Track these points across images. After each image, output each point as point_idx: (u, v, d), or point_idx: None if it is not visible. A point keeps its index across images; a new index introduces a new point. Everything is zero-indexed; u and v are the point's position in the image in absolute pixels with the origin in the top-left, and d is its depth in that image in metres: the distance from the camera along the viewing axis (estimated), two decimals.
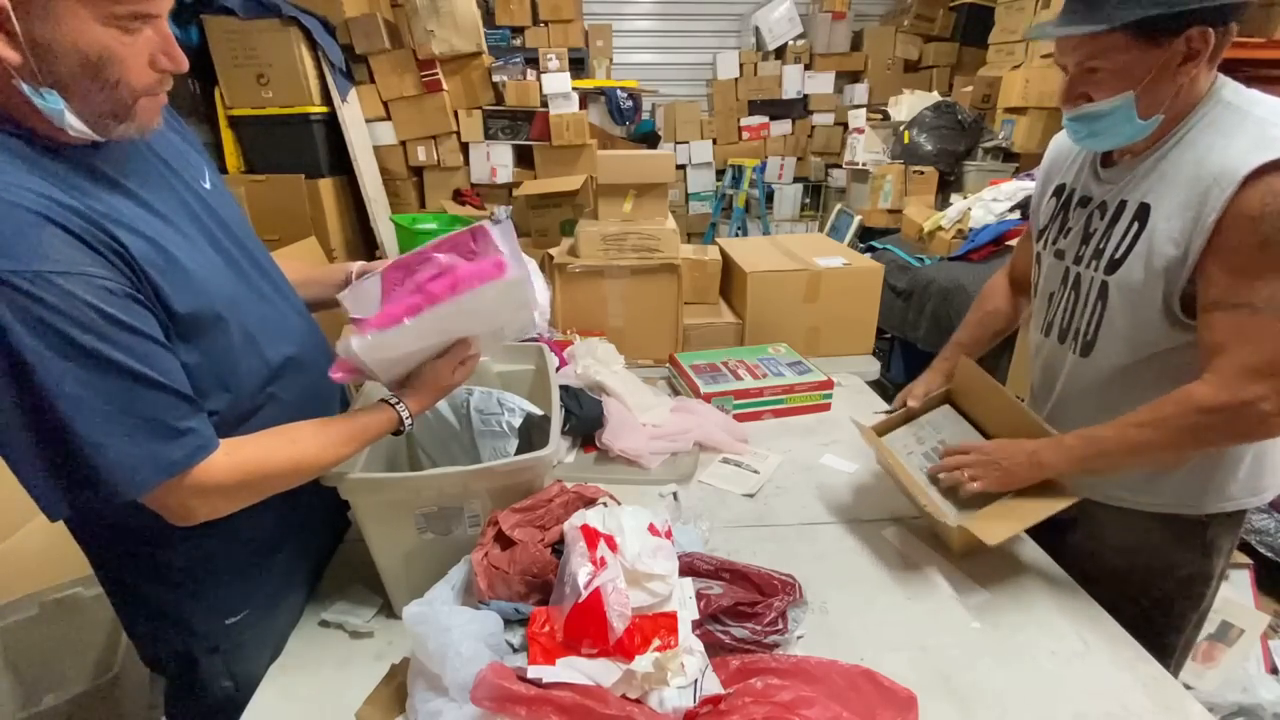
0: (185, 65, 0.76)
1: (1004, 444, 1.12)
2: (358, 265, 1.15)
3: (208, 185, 0.91)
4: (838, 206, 4.85)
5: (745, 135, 5.92)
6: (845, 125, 5.33)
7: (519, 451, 1.18)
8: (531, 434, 1.22)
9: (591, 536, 0.87)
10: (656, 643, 0.81)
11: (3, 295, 0.64)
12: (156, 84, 0.75)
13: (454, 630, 0.80)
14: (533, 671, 0.77)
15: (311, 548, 1.12)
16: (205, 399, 0.82)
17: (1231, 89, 0.99)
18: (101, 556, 0.94)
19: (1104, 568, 1.14)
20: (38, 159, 0.71)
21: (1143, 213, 1.01)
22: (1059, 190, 1.20)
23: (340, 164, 3.85)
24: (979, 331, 1.43)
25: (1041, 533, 1.20)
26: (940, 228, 3.50)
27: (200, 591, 0.94)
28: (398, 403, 0.95)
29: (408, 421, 0.96)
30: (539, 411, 1.23)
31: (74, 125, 0.70)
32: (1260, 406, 0.91)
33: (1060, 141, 1.24)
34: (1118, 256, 1.04)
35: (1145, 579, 1.13)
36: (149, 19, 0.71)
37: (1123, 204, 1.05)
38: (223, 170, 3.62)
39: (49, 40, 0.65)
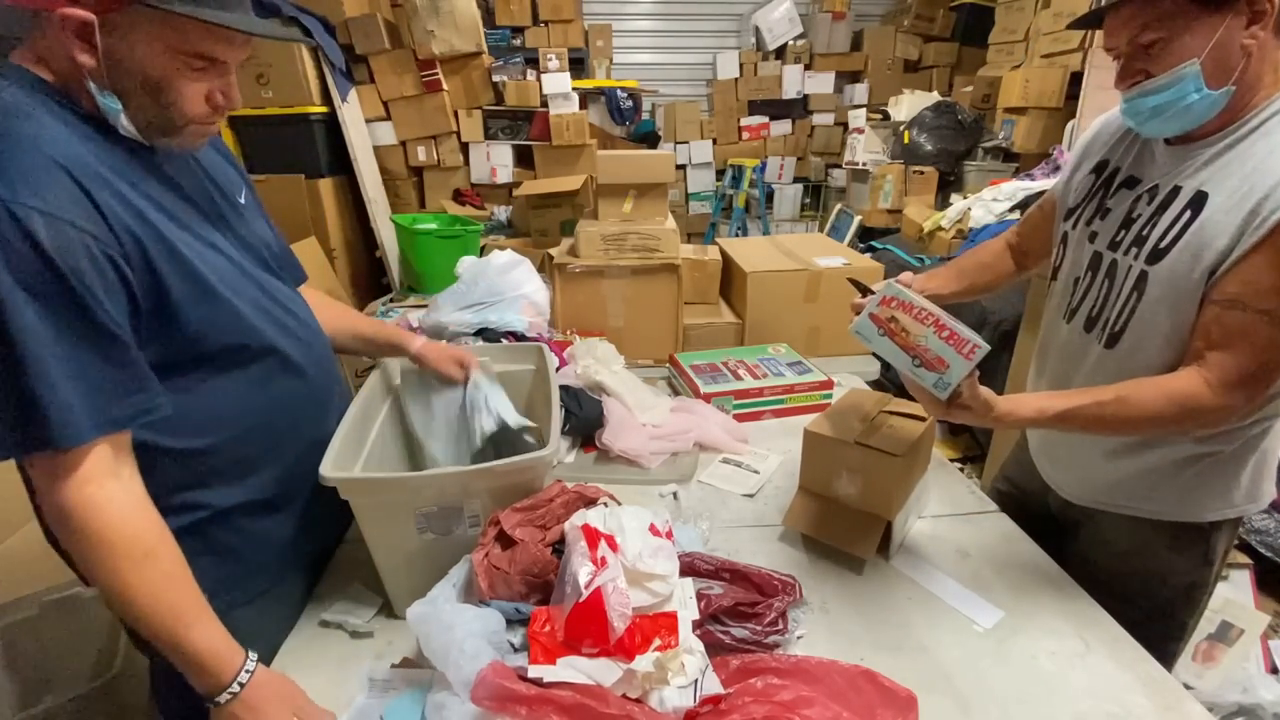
0: (238, 105, 0.84)
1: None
2: (420, 342, 1.25)
3: (242, 200, 0.97)
4: (838, 206, 4.86)
5: (745, 135, 5.93)
6: (845, 125, 5.33)
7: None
8: (500, 448, 1.19)
9: (592, 536, 0.87)
10: (657, 642, 0.81)
11: None
12: (208, 115, 0.83)
13: (458, 628, 0.80)
14: (533, 671, 0.77)
15: (302, 548, 1.06)
16: (203, 349, 0.85)
17: None
18: None
19: (1105, 572, 1.13)
20: (92, 134, 0.78)
21: (1197, 201, 0.94)
22: (1100, 167, 1.12)
23: (340, 164, 3.85)
24: (970, 265, 1.34)
25: (1044, 538, 1.20)
26: (940, 228, 3.50)
27: None
28: (253, 665, 0.82)
29: (225, 697, 0.79)
30: (528, 423, 1.20)
31: (126, 127, 0.79)
32: (1237, 408, 0.93)
33: (1109, 119, 1.15)
34: (1162, 246, 0.96)
35: (1145, 584, 1.12)
36: (214, 63, 0.80)
37: (1176, 190, 0.97)
38: None
39: (120, 56, 0.75)
